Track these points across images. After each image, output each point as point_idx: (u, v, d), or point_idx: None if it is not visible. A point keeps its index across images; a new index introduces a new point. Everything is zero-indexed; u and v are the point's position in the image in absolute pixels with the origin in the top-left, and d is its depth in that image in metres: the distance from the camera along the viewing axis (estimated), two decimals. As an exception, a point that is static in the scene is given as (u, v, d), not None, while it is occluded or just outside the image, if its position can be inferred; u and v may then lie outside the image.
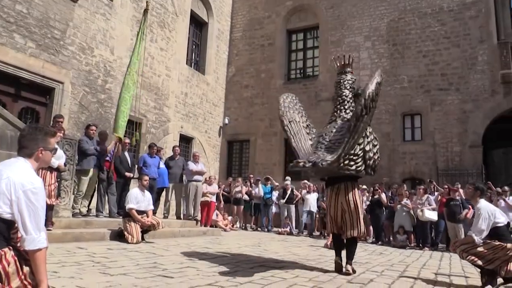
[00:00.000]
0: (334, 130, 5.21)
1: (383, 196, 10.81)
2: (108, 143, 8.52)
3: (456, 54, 14.07)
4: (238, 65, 17.81)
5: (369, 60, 15.32)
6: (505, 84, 13.25)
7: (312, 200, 11.81)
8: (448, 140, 13.71)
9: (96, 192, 8.45)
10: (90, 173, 7.90)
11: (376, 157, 5.12)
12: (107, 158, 8.39)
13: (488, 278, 4.39)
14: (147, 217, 6.95)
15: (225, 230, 10.71)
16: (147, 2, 9.74)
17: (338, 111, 5.42)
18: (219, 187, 12.60)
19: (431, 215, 9.69)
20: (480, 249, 4.36)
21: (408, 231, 10.16)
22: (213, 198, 10.98)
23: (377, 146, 5.21)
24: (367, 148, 4.96)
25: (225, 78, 17.77)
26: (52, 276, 3.45)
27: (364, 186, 11.18)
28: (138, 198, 6.95)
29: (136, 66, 8.85)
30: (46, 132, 2.31)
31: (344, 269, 4.87)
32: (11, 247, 2.04)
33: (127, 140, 9.13)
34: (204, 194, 10.42)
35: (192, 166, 10.14)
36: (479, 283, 4.50)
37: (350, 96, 5.48)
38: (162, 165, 9.84)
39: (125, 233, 6.65)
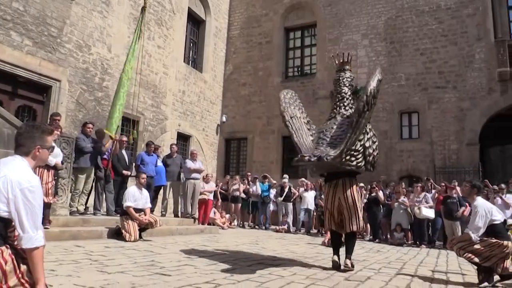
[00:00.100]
0: (334, 127, 5.24)
1: (381, 194, 10.83)
2: (105, 141, 8.50)
3: (454, 52, 14.09)
4: (236, 63, 17.77)
5: (366, 58, 15.32)
6: (502, 82, 13.26)
7: (309, 198, 11.85)
8: (445, 138, 13.75)
9: (93, 190, 8.44)
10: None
11: (375, 153, 5.19)
12: (105, 156, 8.38)
13: (485, 275, 4.42)
14: (145, 215, 6.95)
15: (222, 228, 10.72)
16: (144, -1, 9.71)
17: (338, 108, 5.45)
18: (216, 185, 12.61)
19: (428, 212, 9.74)
20: (477, 246, 4.39)
21: (405, 229, 10.21)
22: (211, 196, 11.00)
23: (376, 143, 5.27)
24: (367, 144, 5.00)
25: (223, 76, 17.73)
26: (49, 274, 3.44)
27: (362, 184, 11.19)
28: (135, 196, 6.95)
29: (131, 63, 8.82)
30: (43, 130, 2.31)
31: (343, 264, 4.90)
32: (8, 246, 2.04)
33: (125, 138, 9.12)
34: (201, 193, 10.42)
35: (190, 164, 10.14)
36: (476, 281, 4.52)
37: (349, 93, 5.53)
38: (159, 163, 9.84)
39: (123, 231, 6.65)
